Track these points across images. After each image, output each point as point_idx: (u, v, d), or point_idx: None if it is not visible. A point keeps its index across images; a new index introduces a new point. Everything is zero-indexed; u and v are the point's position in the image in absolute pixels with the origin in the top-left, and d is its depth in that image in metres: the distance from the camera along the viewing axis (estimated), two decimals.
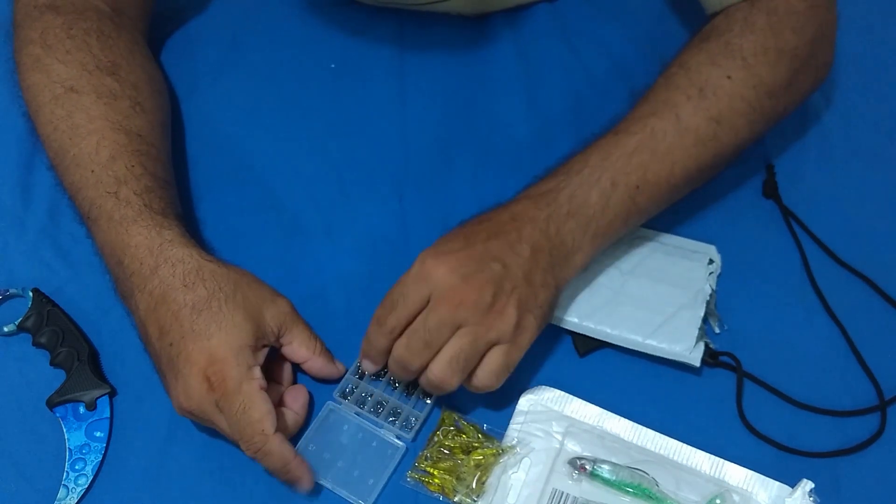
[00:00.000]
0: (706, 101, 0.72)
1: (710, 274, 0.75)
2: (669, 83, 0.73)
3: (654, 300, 0.73)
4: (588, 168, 0.69)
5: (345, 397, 0.70)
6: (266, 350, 0.67)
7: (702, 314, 0.73)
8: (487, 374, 0.66)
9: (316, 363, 0.70)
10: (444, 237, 0.68)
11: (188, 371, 0.64)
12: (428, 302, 0.65)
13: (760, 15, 0.74)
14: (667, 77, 0.74)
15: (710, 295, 0.74)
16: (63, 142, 0.72)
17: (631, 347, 0.72)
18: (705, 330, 0.73)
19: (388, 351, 0.67)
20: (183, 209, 0.75)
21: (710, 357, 0.73)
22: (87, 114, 0.72)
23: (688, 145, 0.71)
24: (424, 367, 0.66)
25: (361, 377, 0.71)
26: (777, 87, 0.74)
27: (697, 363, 0.71)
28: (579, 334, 0.73)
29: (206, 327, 0.64)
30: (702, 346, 0.71)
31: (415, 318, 0.65)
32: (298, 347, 0.70)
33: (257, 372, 0.65)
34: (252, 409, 0.63)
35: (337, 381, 0.71)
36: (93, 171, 0.70)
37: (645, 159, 0.70)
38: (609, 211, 0.69)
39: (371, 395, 0.70)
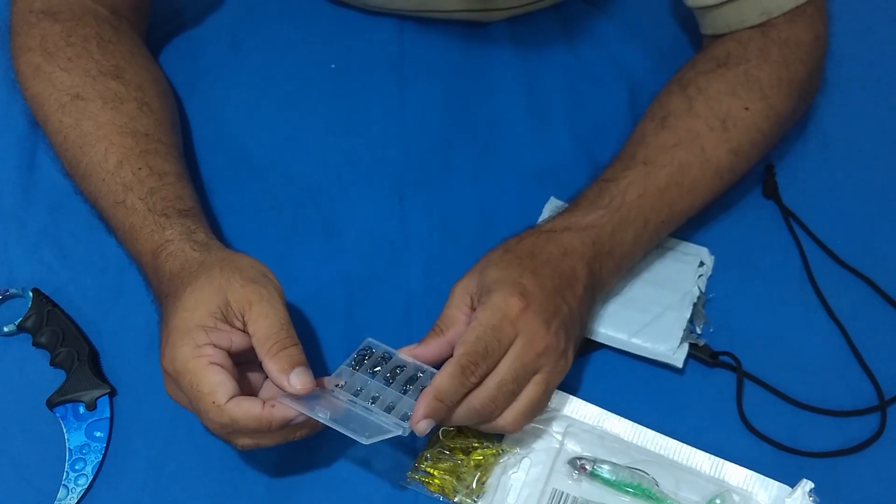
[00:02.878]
0: (727, 134, 0.74)
1: (700, 276, 0.75)
2: (691, 110, 0.74)
3: (642, 299, 0.74)
4: (626, 206, 0.70)
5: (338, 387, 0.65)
6: (232, 331, 0.62)
7: (688, 315, 0.73)
8: (538, 412, 0.67)
9: (266, 366, 0.61)
10: (506, 262, 0.66)
11: (161, 363, 0.63)
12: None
13: (774, 46, 0.76)
14: (687, 100, 0.75)
15: (699, 297, 0.74)
16: (74, 151, 0.72)
17: (616, 346, 0.72)
18: (691, 331, 0.74)
19: (452, 406, 0.63)
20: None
21: (710, 357, 0.73)
22: (94, 120, 0.72)
23: (708, 178, 0.74)
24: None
25: (356, 368, 0.65)
26: (786, 117, 0.78)
27: (680, 364, 0.71)
28: None
29: (166, 316, 0.63)
30: (686, 347, 0.72)
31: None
32: (255, 342, 0.62)
33: (208, 350, 0.60)
34: (200, 383, 0.59)
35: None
36: (103, 180, 0.70)
37: (673, 196, 0.72)
38: (637, 248, 0.72)
39: (365, 387, 0.64)
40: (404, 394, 0.64)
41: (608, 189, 0.71)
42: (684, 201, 0.73)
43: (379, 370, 0.65)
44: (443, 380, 0.61)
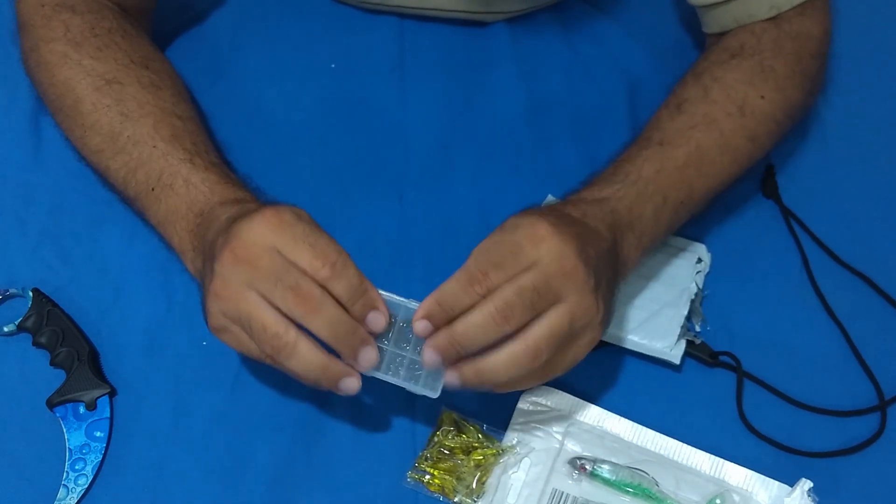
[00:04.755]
0: (745, 120, 0.73)
1: (698, 273, 0.75)
2: (707, 97, 0.74)
3: (639, 296, 0.74)
4: (642, 180, 0.69)
5: None
6: None
7: (685, 312, 0.73)
8: (570, 363, 0.62)
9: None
10: (529, 211, 0.62)
11: (232, 246, 0.60)
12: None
13: (787, 39, 0.76)
14: (702, 88, 0.74)
15: (696, 294, 0.74)
16: (114, 125, 0.71)
17: (613, 342, 0.72)
18: (689, 328, 0.74)
19: (453, 317, 0.59)
20: None
21: (710, 357, 0.73)
22: (136, 101, 0.71)
23: (726, 163, 0.73)
24: (478, 351, 0.59)
25: None
26: (799, 110, 0.78)
27: (678, 361, 0.71)
28: None
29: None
30: (683, 344, 0.72)
31: None
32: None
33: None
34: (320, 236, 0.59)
35: None
36: (155, 147, 0.70)
37: (691, 175, 0.71)
38: (657, 226, 0.70)
39: (384, 352, 0.62)
40: (404, 349, 0.62)
41: (622, 167, 0.70)
42: (703, 182, 0.72)
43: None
44: (447, 283, 0.59)
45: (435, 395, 0.62)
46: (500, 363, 0.59)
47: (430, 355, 0.59)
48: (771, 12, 0.76)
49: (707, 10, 0.79)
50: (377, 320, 0.60)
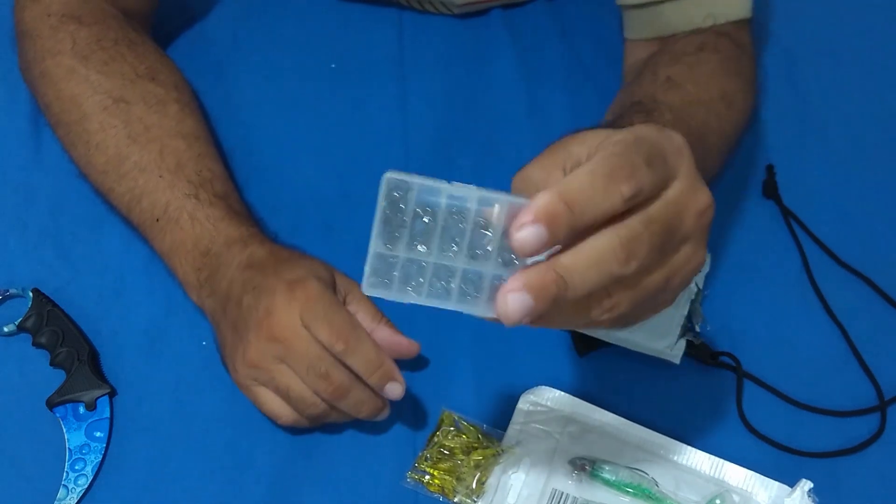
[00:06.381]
0: (729, 112, 0.73)
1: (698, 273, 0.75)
2: (693, 78, 0.73)
3: None
4: (670, 114, 0.67)
5: (385, 280, 0.45)
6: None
7: (685, 312, 0.73)
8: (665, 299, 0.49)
9: (382, 332, 0.67)
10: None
11: (269, 297, 0.63)
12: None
13: (734, 46, 0.77)
14: (687, 67, 0.74)
15: (696, 294, 0.74)
16: (120, 148, 0.71)
17: (614, 342, 0.72)
18: (689, 328, 0.74)
19: (577, 230, 0.42)
20: None
21: (710, 357, 0.73)
22: (142, 123, 0.72)
23: (724, 148, 0.73)
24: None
25: (392, 245, 0.44)
26: (750, 118, 0.78)
27: (678, 360, 0.71)
28: (579, 334, 0.73)
29: (291, 266, 0.66)
30: (683, 344, 0.72)
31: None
32: (364, 316, 0.68)
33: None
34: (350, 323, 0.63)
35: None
36: (161, 177, 0.70)
37: (699, 155, 0.69)
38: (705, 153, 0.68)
39: (424, 265, 0.44)
40: (475, 258, 0.44)
41: (653, 119, 0.64)
42: (706, 163, 0.66)
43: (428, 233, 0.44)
44: (574, 176, 0.42)
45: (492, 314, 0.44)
46: (583, 258, 0.43)
47: (513, 301, 0.42)
48: (707, 21, 0.76)
49: (638, 12, 0.78)
50: (394, 390, 0.64)
